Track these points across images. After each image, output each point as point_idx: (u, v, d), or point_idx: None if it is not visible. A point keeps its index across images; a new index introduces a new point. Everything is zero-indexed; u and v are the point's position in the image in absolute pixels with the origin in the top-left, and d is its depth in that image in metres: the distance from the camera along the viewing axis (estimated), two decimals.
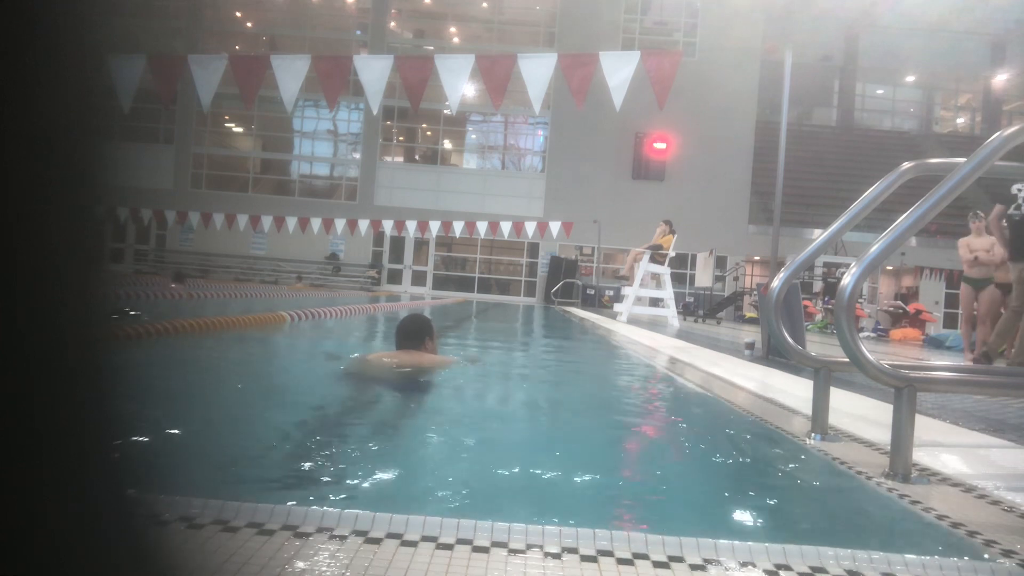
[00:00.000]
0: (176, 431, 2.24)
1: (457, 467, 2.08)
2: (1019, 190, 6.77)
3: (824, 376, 2.50)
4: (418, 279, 26.90)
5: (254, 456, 2.01)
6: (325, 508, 1.33)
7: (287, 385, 3.69)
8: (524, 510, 1.64)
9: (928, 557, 1.30)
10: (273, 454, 2.05)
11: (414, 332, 3.76)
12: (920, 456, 2.11)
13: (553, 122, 26.26)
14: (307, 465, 1.97)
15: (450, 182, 27.04)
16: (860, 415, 3.04)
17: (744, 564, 1.24)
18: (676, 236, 12.16)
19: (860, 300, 14.66)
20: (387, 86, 6.58)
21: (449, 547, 1.23)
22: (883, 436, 2.19)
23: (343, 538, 1.24)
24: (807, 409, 2.59)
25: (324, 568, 1.12)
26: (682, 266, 22.05)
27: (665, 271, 12.14)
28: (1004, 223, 7.03)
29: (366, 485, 1.82)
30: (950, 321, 21.87)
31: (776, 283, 2.75)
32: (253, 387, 3.61)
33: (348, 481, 1.83)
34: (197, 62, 6.60)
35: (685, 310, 18.47)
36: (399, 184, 26.91)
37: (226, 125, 29.03)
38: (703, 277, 17.61)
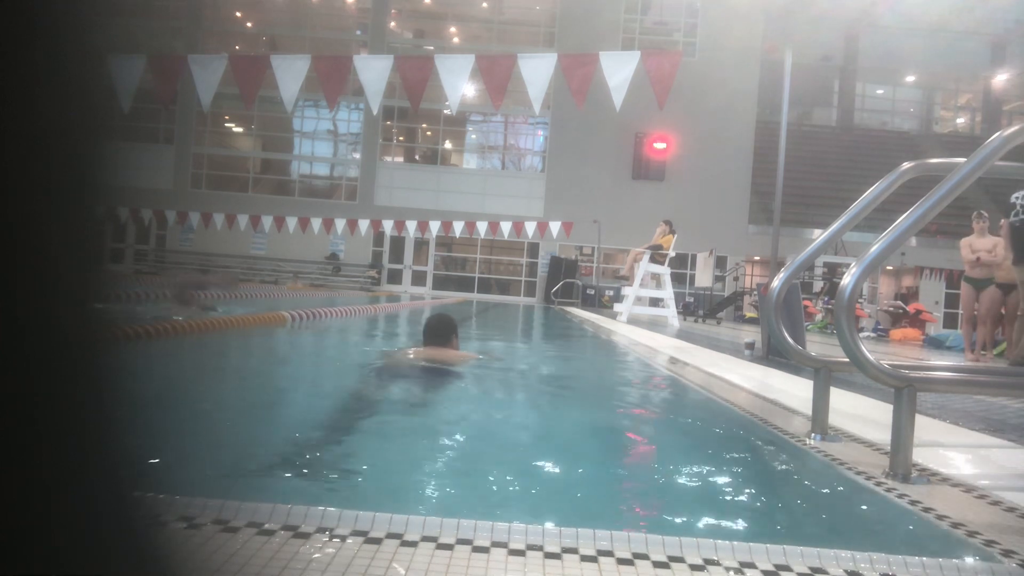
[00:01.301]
0: (212, 430, 2.34)
1: (481, 454, 2.20)
2: (1017, 198, 6.82)
3: (824, 376, 2.50)
4: (418, 279, 26.89)
5: (298, 448, 2.14)
6: (325, 508, 1.33)
7: (328, 378, 4.10)
8: (528, 500, 1.66)
9: (928, 557, 1.30)
10: (314, 443, 2.22)
11: (442, 330, 4.09)
12: (920, 456, 2.11)
13: (553, 122, 26.24)
14: (348, 449, 2.16)
15: (450, 182, 27.02)
16: (860, 415, 3.04)
17: (744, 564, 1.24)
18: (676, 236, 12.15)
19: (860, 300, 14.65)
20: (387, 86, 6.58)
21: (449, 547, 1.23)
22: (883, 436, 2.19)
23: (343, 538, 1.24)
24: (807, 409, 2.59)
25: (324, 568, 1.12)
26: (682, 266, 22.03)
27: (665, 271, 12.13)
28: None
29: (407, 466, 1.98)
30: (950, 321, 21.86)
31: (776, 283, 2.75)
32: (296, 380, 3.96)
33: (389, 464, 1.99)
34: (197, 62, 6.60)
35: (685, 310, 18.46)
36: (399, 184, 26.90)
37: (226, 125, 29.01)
38: (703, 277, 17.60)
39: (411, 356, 4.11)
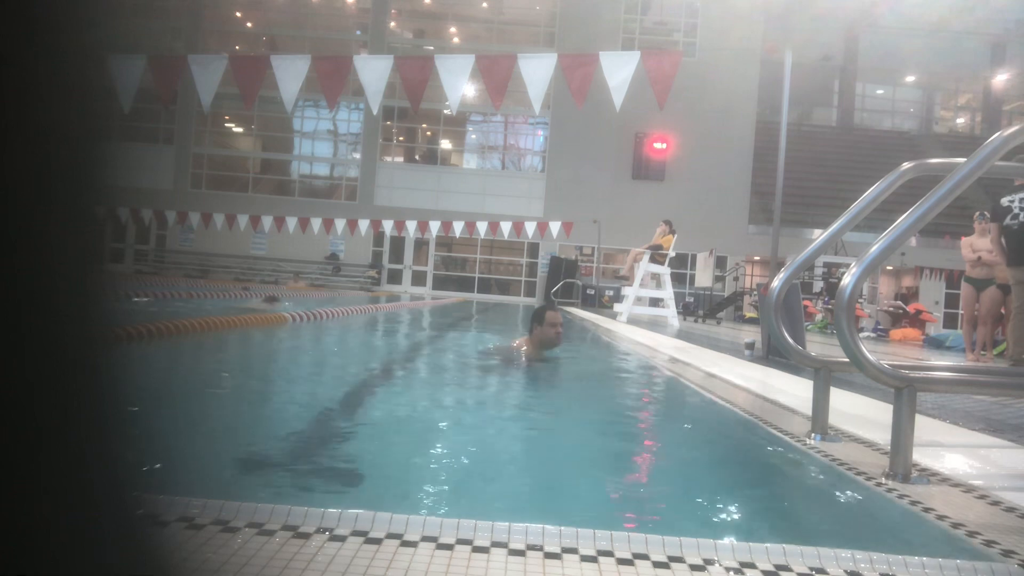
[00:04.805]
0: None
1: (482, 447, 2.20)
2: (1011, 201, 6.81)
3: (824, 376, 2.50)
4: (418, 279, 26.88)
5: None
6: (325, 508, 1.33)
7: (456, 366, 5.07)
8: (527, 497, 1.66)
9: (928, 557, 1.30)
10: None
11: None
12: (920, 456, 2.10)
13: (553, 122, 26.24)
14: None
15: (450, 182, 27.02)
16: (860, 415, 3.04)
17: (744, 564, 1.24)
18: (676, 236, 12.15)
19: (860, 300, 14.65)
20: (387, 86, 6.57)
21: (449, 547, 1.23)
22: (883, 436, 2.19)
23: (343, 538, 1.24)
24: (807, 409, 2.59)
25: (324, 568, 1.12)
26: (682, 266, 22.03)
27: (665, 271, 12.13)
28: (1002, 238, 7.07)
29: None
30: (950, 321, 21.85)
31: (776, 283, 2.75)
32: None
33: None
34: (197, 62, 6.59)
35: (685, 310, 18.46)
36: (399, 184, 26.89)
37: (226, 125, 29.01)
38: (703, 277, 17.59)
39: (517, 347, 4.88)
